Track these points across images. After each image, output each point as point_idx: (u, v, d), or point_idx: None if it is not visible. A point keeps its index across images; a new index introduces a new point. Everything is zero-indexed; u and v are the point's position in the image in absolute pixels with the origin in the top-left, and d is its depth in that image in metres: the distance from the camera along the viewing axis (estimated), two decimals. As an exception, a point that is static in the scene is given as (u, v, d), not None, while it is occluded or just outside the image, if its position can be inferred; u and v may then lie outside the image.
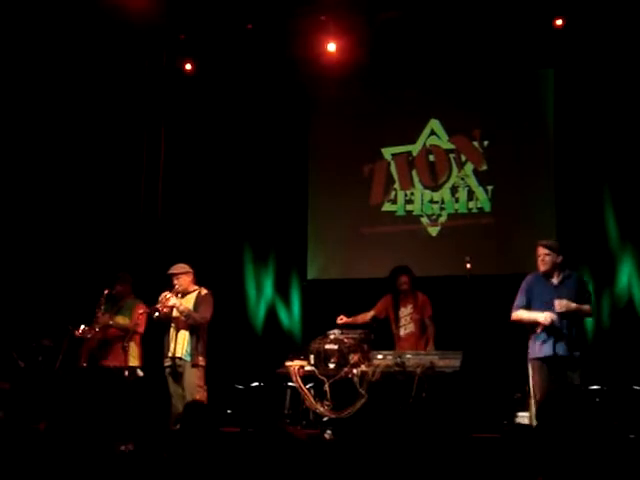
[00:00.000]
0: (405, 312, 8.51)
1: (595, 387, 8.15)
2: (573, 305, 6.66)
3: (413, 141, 10.07)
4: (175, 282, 7.77)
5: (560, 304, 6.63)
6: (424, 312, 8.48)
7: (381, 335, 8.39)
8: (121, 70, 10.04)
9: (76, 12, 9.07)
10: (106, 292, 8.09)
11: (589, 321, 8.94)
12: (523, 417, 7.37)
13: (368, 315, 8.54)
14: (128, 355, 7.96)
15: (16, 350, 8.46)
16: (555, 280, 6.82)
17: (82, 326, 7.99)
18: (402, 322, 8.51)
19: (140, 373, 8.07)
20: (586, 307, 6.83)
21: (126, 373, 7.98)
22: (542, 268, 6.82)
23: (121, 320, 8.09)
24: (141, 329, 8.10)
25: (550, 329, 6.68)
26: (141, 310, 8.01)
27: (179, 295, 7.75)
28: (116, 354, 8.01)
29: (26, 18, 9.06)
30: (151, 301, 7.82)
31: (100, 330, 8.00)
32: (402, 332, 8.50)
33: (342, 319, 8.25)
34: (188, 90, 10.42)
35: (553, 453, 3.61)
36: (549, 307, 6.71)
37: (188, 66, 10.29)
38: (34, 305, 9.52)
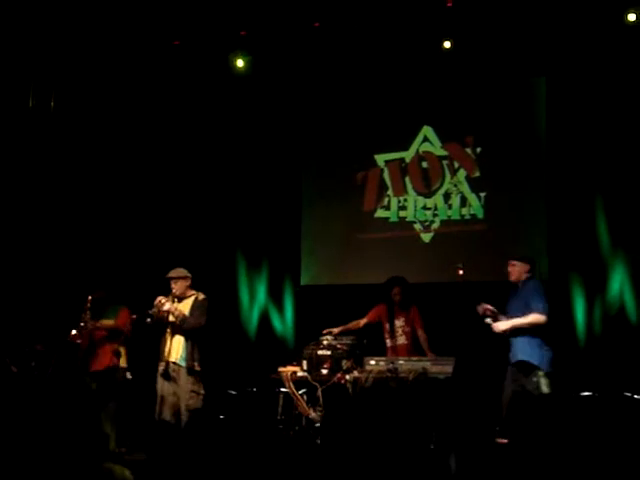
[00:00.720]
0: (398, 324, 8.51)
1: (587, 393, 8.18)
2: (510, 324, 7.08)
3: (406, 148, 10.10)
4: (172, 286, 7.79)
5: (496, 329, 7.16)
6: (415, 324, 8.48)
7: (373, 342, 8.39)
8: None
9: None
10: (90, 298, 8.11)
11: (580, 328, 9.00)
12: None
13: (361, 322, 8.54)
14: (119, 358, 7.97)
15: (9, 355, 8.45)
16: (519, 289, 7.28)
17: (73, 331, 8.00)
18: (394, 333, 8.51)
19: (129, 375, 8.08)
20: (525, 320, 7.04)
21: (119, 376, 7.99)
22: (510, 279, 7.36)
23: (108, 322, 8.11)
24: (128, 330, 8.11)
25: (508, 337, 7.16)
26: (126, 313, 8.05)
27: (176, 299, 7.76)
28: (105, 357, 8.01)
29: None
30: (145, 306, 7.82)
31: (88, 334, 8.02)
32: (394, 343, 8.50)
33: (332, 332, 8.19)
34: (181, 96, 10.44)
35: (543, 454, 3.64)
36: (510, 314, 7.19)
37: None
38: (27, 310, 9.52)
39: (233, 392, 9.67)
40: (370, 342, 8.26)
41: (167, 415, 7.53)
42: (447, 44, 9.32)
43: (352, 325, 8.46)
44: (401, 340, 8.47)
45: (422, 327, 8.45)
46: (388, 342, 8.53)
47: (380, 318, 8.59)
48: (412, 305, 8.53)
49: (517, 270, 7.28)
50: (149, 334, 7.89)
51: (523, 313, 7.09)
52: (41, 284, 9.84)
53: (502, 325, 7.13)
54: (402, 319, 8.49)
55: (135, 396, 8.19)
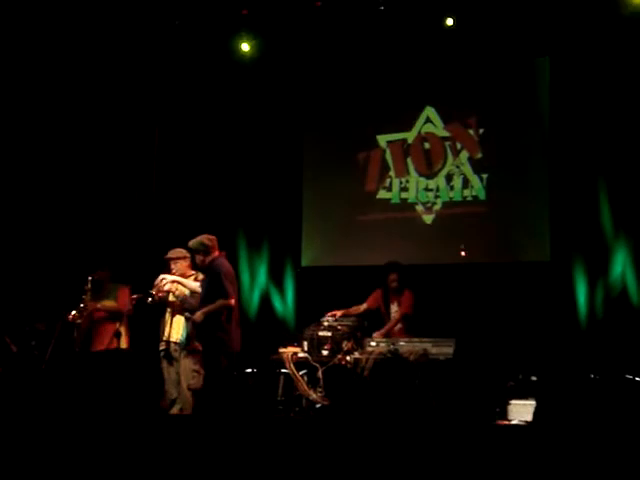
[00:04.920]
0: (394, 308, 8.49)
1: (588, 376, 8.16)
2: (203, 313, 7.15)
3: (408, 128, 10.05)
4: (172, 267, 7.79)
5: (197, 320, 7.19)
6: (400, 307, 8.41)
7: (374, 324, 8.37)
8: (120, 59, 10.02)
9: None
10: (90, 278, 8.09)
11: (582, 310, 8.97)
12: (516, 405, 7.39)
13: (361, 308, 8.51)
14: (119, 339, 7.96)
15: (9, 334, 8.45)
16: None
17: (73, 312, 7.99)
18: (390, 317, 8.48)
19: None
20: (215, 306, 7.19)
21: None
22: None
23: (108, 304, 8.09)
24: (128, 310, 8.08)
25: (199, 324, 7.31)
26: (126, 293, 8.03)
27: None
28: (105, 338, 8.01)
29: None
30: (145, 286, 7.81)
31: (88, 315, 8.00)
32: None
33: (335, 315, 8.18)
34: (182, 76, 10.38)
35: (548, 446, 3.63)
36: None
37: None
38: (28, 289, 9.51)
39: (234, 373, 9.66)
40: (371, 324, 8.25)
41: (174, 394, 7.60)
42: (449, 21, 9.26)
43: (353, 310, 8.43)
44: (397, 325, 8.43)
45: (406, 312, 8.34)
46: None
47: (378, 303, 8.57)
48: (405, 289, 8.45)
49: (197, 258, 7.42)
50: (152, 315, 7.89)
51: (211, 298, 7.20)
52: (42, 262, 9.82)
53: (198, 317, 7.18)
54: (396, 303, 8.46)
55: (141, 377, 8.18)
